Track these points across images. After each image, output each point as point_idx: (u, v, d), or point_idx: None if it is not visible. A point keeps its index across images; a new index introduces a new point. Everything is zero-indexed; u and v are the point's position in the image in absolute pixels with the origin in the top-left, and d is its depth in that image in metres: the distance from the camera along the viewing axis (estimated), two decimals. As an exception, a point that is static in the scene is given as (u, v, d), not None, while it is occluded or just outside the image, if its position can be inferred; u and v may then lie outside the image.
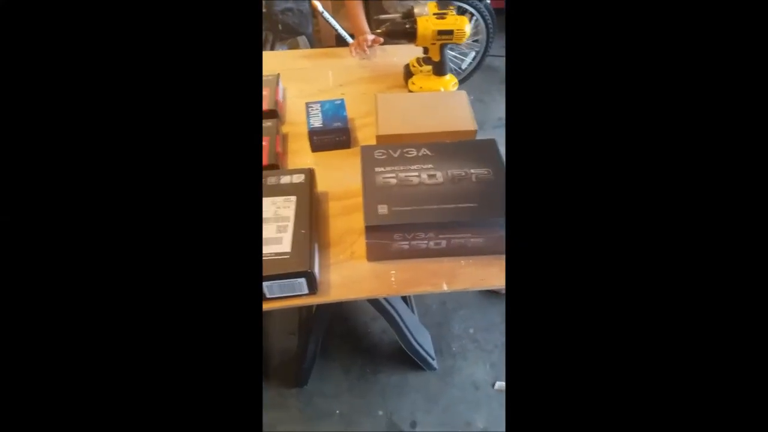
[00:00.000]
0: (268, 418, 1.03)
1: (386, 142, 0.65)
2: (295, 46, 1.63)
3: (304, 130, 0.73)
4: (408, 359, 1.06)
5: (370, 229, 0.51)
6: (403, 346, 1.01)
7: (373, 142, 0.67)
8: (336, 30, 1.37)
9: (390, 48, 0.97)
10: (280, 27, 1.43)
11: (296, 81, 0.87)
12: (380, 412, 1.03)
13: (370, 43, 0.93)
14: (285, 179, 0.58)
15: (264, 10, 1.47)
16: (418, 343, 1.00)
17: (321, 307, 0.79)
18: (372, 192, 0.53)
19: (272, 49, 1.54)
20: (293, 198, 0.56)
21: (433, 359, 1.07)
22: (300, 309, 1.20)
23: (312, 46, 1.62)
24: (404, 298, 1.09)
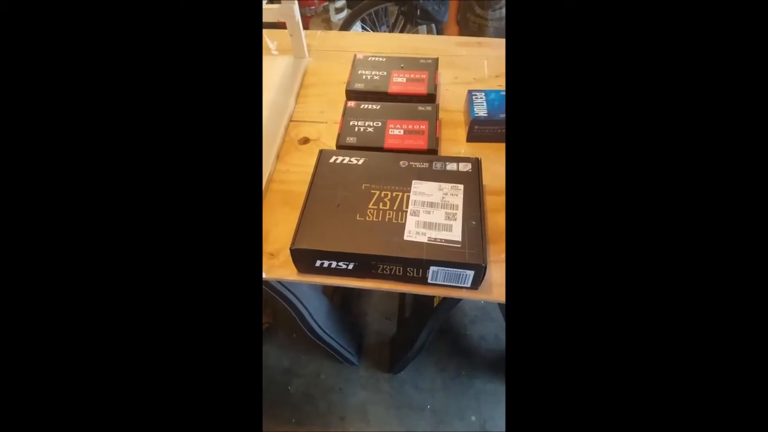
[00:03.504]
0: (358, 397, 1.04)
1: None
2: (413, 33, 1.62)
3: (458, 118, 0.71)
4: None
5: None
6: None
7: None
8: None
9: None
10: (418, 12, 1.42)
11: (450, 68, 0.84)
12: (473, 417, 1.00)
13: None
14: (451, 166, 0.56)
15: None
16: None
17: (446, 301, 0.77)
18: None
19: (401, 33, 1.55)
20: (461, 186, 0.53)
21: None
22: (401, 296, 1.20)
23: (440, 34, 1.59)
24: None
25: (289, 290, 0.81)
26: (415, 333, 0.89)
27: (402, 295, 1.19)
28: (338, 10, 1.91)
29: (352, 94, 0.71)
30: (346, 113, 0.66)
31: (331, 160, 0.56)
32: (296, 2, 0.71)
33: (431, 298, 0.84)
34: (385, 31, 1.77)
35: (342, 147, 0.62)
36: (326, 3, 1.93)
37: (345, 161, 0.56)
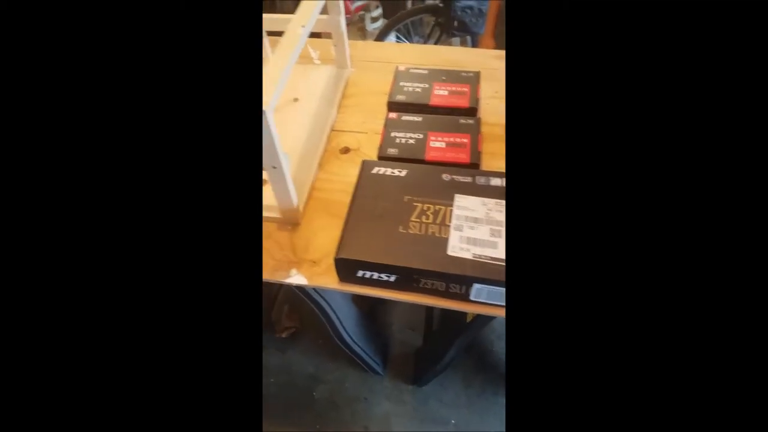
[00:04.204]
0: (382, 408, 1.04)
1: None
2: (446, 44, 1.62)
3: (498, 132, 0.70)
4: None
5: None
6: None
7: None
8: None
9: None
10: (455, 24, 1.42)
11: (490, 81, 0.84)
12: (498, 437, 0.98)
13: None
14: (495, 181, 0.55)
15: (441, 4, 1.48)
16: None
17: (480, 318, 0.76)
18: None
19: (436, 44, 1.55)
20: (504, 202, 0.53)
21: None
22: (428, 308, 1.19)
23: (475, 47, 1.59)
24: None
25: (321, 296, 0.82)
26: (443, 348, 0.88)
27: (429, 308, 1.18)
28: (374, 20, 1.94)
29: (393, 106, 0.71)
30: (388, 124, 0.67)
31: (374, 171, 0.57)
32: (343, 15, 0.72)
33: (463, 313, 0.83)
34: (418, 42, 1.78)
35: (383, 158, 0.62)
36: (362, 12, 1.96)
37: (387, 172, 0.57)
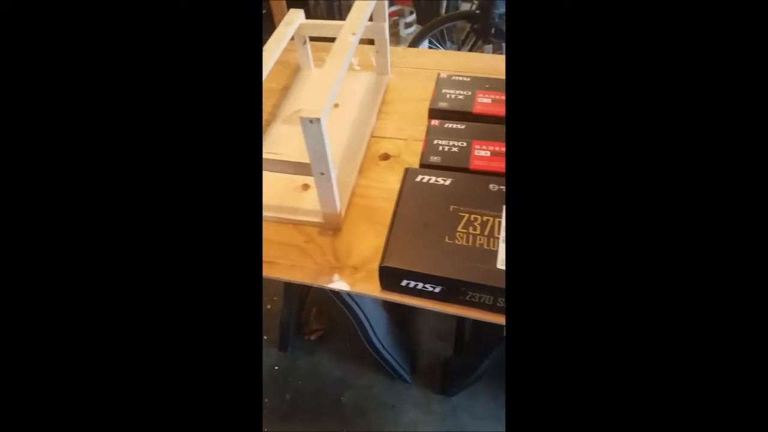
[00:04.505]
0: (410, 416, 1.03)
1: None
2: (480, 51, 1.60)
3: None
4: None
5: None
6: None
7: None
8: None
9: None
10: (492, 30, 1.40)
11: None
12: (529, 454, 0.95)
13: None
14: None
15: (477, 11, 1.46)
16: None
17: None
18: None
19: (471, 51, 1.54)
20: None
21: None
22: (459, 318, 1.17)
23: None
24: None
25: (354, 300, 0.82)
26: (476, 360, 0.86)
27: (461, 318, 1.17)
28: (407, 25, 1.94)
29: (435, 113, 0.71)
30: (430, 132, 0.66)
31: (417, 179, 0.56)
32: (387, 22, 0.72)
33: (500, 326, 0.82)
34: (452, 48, 1.77)
35: (425, 165, 0.62)
36: (396, 17, 1.97)
37: (431, 181, 0.56)
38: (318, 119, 0.43)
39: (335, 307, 0.79)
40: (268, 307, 1.26)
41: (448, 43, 1.76)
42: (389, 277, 0.49)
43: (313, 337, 1.17)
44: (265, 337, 1.19)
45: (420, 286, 0.48)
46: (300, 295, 1.24)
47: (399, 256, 0.48)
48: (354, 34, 0.53)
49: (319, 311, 1.21)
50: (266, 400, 1.08)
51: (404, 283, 0.48)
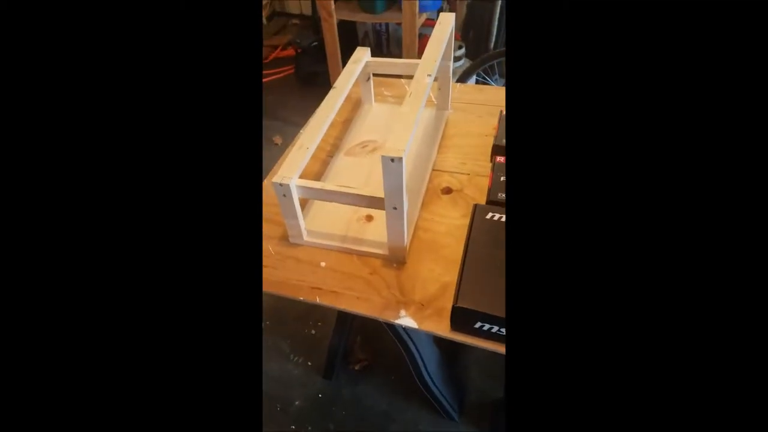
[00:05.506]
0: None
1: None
2: None
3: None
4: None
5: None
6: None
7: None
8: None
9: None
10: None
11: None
12: None
13: None
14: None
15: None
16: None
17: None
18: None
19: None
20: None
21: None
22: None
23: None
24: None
25: (407, 334, 0.81)
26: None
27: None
28: (456, 59, 1.97)
29: (499, 150, 0.71)
30: (496, 168, 0.66)
31: (488, 216, 0.56)
32: (452, 60, 0.74)
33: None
34: (500, 82, 1.78)
35: (492, 202, 0.62)
36: (443, 51, 2.01)
37: (502, 219, 0.56)
38: (400, 158, 0.44)
39: (381, 338, 0.78)
40: (313, 332, 1.27)
41: (497, 76, 1.77)
42: (462, 317, 0.48)
43: (357, 367, 1.16)
44: (309, 363, 1.19)
45: (495, 329, 0.47)
46: (345, 321, 1.25)
47: (472, 297, 0.47)
48: (429, 75, 0.55)
49: (364, 341, 1.20)
50: (309, 428, 1.07)
51: (478, 325, 0.47)
